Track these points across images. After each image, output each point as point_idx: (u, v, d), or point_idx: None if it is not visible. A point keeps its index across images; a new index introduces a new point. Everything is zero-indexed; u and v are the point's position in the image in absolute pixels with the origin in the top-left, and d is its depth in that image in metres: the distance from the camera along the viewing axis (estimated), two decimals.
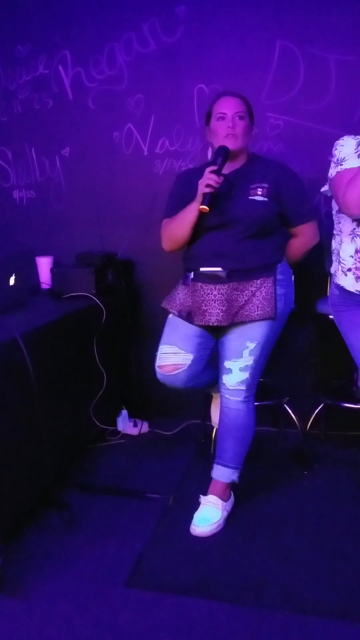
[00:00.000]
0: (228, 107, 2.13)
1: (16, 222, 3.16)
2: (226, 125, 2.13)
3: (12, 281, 2.39)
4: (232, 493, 2.27)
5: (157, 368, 2.25)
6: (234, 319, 2.14)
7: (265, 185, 2.14)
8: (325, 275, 2.68)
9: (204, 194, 2.04)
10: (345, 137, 2.01)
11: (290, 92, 2.70)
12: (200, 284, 2.18)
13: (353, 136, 2.00)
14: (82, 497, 2.38)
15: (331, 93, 2.67)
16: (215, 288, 2.15)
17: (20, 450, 2.09)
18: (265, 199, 2.13)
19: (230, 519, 2.20)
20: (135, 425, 2.98)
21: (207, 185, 2.03)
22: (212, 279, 2.16)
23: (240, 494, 2.30)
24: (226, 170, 2.11)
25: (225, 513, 2.19)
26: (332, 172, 2.00)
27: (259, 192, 2.13)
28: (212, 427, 2.55)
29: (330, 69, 2.65)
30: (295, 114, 2.71)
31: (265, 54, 2.69)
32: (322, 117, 2.68)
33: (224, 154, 2.09)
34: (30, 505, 2.21)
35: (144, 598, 1.82)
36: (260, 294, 2.13)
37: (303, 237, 2.27)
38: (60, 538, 2.11)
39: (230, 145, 2.11)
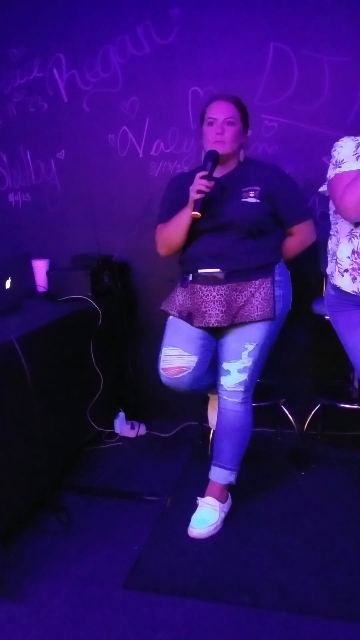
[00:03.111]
0: (218, 113, 2.13)
1: (12, 226, 3.16)
2: (215, 132, 2.12)
3: (8, 284, 2.39)
4: (229, 494, 2.27)
5: (161, 371, 2.24)
6: (234, 320, 2.14)
7: (257, 187, 2.15)
8: (321, 275, 2.68)
9: (196, 200, 2.05)
10: (344, 139, 1.97)
11: (285, 94, 2.71)
12: (199, 285, 2.18)
13: (352, 137, 1.96)
14: (79, 499, 2.38)
15: (325, 94, 2.67)
16: (214, 289, 2.15)
17: (17, 453, 2.09)
18: (258, 201, 2.14)
19: (227, 520, 2.20)
20: (132, 427, 2.98)
21: (199, 191, 2.04)
22: (211, 280, 2.16)
23: (237, 495, 2.30)
24: (217, 174, 2.12)
25: (223, 514, 2.19)
26: (330, 173, 1.97)
27: (251, 194, 2.14)
28: (209, 429, 2.55)
29: (324, 70, 2.65)
30: (289, 116, 2.71)
31: (259, 56, 2.70)
32: (316, 118, 2.69)
33: (213, 158, 2.09)
34: (27, 508, 2.20)
35: (142, 600, 1.82)
36: (259, 295, 2.14)
37: (299, 236, 2.28)
38: (58, 541, 2.11)
39: (219, 150, 2.11)
